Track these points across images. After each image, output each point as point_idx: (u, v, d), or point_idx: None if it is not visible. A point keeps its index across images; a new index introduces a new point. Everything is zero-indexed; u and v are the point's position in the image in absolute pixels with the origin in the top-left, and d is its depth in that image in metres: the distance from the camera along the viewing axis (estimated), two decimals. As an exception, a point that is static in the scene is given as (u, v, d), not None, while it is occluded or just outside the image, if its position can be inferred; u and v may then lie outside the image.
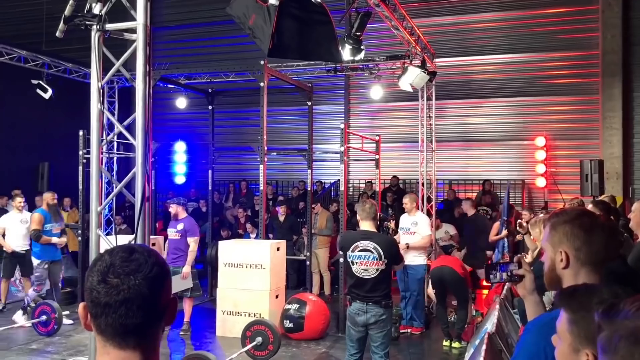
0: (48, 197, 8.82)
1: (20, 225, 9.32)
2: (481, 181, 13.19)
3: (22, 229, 9.30)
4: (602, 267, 1.82)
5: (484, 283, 10.76)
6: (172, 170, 13.21)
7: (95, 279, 1.25)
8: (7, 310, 9.18)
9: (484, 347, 4.53)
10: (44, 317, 7.93)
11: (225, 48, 14.82)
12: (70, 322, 8.35)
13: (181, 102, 12.67)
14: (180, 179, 13.47)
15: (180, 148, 12.52)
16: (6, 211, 11.35)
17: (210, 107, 11.56)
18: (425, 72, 8.85)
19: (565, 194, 11.81)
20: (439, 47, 12.08)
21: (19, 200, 9.40)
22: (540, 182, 13.19)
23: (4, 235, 9.27)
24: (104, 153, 3.71)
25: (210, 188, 11.24)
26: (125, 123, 3.47)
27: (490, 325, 5.58)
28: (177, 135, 13.25)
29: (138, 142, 3.13)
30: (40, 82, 10.74)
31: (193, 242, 7.99)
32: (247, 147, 13.14)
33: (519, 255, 2.32)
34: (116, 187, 3.34)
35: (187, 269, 7.85)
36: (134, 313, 1.23)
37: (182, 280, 7.82)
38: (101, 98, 3.31)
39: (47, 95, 10.80)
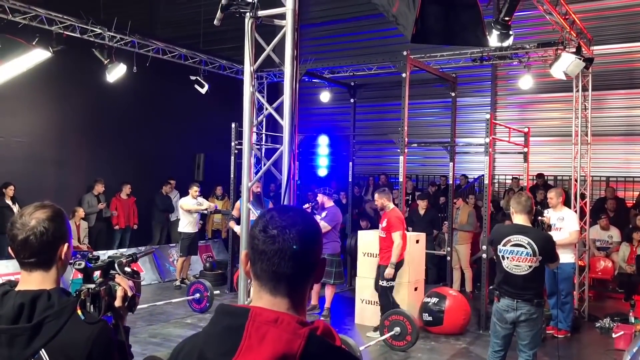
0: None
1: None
2: (645, 179, 12.01)
3: (194, 214, 10.36)
4: None
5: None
6: (315, 163, 13.59)
7: (258, 228, 1.38)
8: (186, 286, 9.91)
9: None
10: (197, 295, 8.58)
11: (369, 42, 14.92)
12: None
13: (325, 96, 12.99)
14: (322, 172, 13.81)
15: (323, 141, 12.84)
16: (169, 198, 12.45)
17: (352, 101, 11.73)
18: (580, 59, 8.21)
19: None
20: (598, 34, 11.14)
21: (195, 189, 10.33)
22: None
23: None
24: (254, 145, 3.93)
25: (350, 180, 11.42)
26: (274, 105, 3.65)
27: (651, 333, 5.10)
28: (320, 129, 13.61)
29: (285, 122, 3.28)
30: (198, 78, 11.57)
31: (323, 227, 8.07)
32: (387, 141, 13.13)
33: None
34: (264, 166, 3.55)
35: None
36: (285, 263, 1.34)
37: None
38: (253, 81, 3.52)
39: (203, 90, 11.61)
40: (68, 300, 1.88)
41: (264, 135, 11.61)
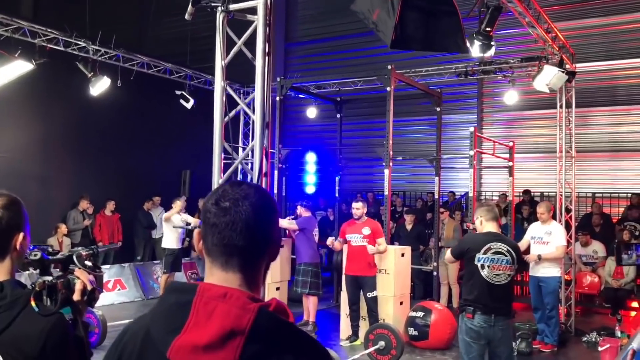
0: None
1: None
2: (629, 195, 12.05)
3: (179, 230, 10.15)
4: None
5: (633, 305, 9.78)
6: (302, 180, 13.53)
7: (211, 202, 1.34)
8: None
9: (627, 363, 4.11)
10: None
11: (355, 60, 14.99)
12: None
13: (311, 112, 12.99)
14: (310, 189, 13.75)
15: (310, 158, 12.80)
16: (151, 214, 12.31)
17: (338, 116, 11.73)
18: (563, 72, 8.26)
19: None
20: (582, 52, 11.25)
21: (179, 204, 10.17)
22: (701, 196, 11.73)
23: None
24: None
25: (337, 195, 11.37)
26: (247, 100, 3.63)
27: (636, 344, 5.05)
28: (308, 146, 13.58)
29: (257, 115, 3.24)
30: (183, 92, 11.52)
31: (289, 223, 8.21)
32: (375, 159, 13.14)
33: None
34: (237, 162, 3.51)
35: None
36: (237, 235, 1.29)
37: None
38: (224, 76, 3.48)
39: (189, 105, 11.55)
40: (22, 291, 1.80)
41: (250, 153, 11.55)
